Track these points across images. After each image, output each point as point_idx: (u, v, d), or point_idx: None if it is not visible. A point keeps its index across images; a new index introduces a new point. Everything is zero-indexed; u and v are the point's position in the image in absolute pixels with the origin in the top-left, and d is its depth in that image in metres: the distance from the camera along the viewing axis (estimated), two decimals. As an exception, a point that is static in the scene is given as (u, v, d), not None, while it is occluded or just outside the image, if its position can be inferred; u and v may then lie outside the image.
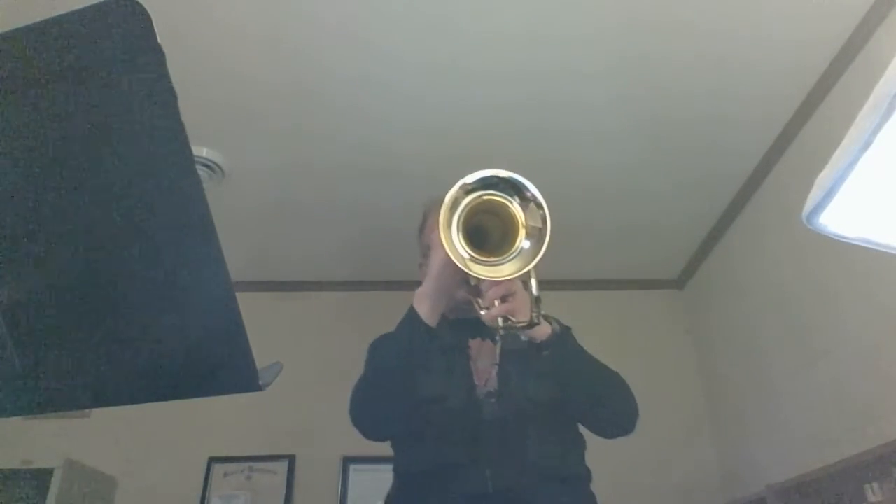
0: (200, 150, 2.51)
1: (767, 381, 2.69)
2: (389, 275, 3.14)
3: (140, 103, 0.54)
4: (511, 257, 1.13)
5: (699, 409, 3.25)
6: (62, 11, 0.52)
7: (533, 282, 1.15)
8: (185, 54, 2.09)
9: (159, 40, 0.52)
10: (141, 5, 0.51)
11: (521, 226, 1.13)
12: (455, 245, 1.11)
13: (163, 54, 0.52)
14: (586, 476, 1.36)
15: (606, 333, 2.92)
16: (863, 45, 2.08)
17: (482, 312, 1.22)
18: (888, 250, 0.78)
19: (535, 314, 1.16)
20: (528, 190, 1.14)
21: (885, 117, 0.64)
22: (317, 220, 2.98)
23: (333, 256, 3.25)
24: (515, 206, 1.14)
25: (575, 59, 2.20)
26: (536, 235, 1.12)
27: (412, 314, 1.25)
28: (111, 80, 0.54)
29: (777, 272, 2.64)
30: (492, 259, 1.13)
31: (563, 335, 1.27)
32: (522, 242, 1.13)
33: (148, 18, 0.51)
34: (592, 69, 2.24)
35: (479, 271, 1.12)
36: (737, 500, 2.66)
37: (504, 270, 1.12)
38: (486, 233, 1.19)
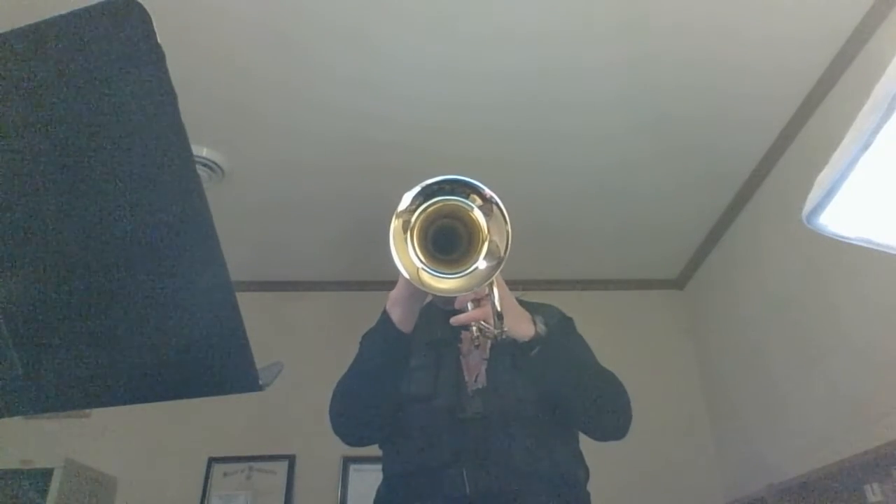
0: (200, 150, 2.51)
1: (767, 381, 2.69)
2: (390, 275, 3.09)
3: (140, 103, 0.54)
4: (460, 274, 1.08)
5: (699, 409, 3.25)
6: (62, 11, 0.52)
7: (496, 297, 1.11)
8: (185, 54, 2.09)
9: (159, 40, 0.52)
10: (141, 5, 0.51)
11: (483, 238, 1.09)
12: (409, 254, 1.08)
13: (163, 54, 0.52)
14: (579, 477, 1.32)
15: (606, 333, 2.92)
16: (863, 45, 2.08)
17: (448, 325, 1.18)
18: (888, 250, 0.78)
19: (497, 331, 1.12)
20: (481, 189, 1.08)
21: (885, 117, 0.64)
22: (317, 219, 2.98)
23: (334, 256, 3.25)
24: (477, 213, 1.09)
25: (574, 58, 2.20)
26: (496, 258, 1.07)
27: (385, 320, 1.23)
28: (111, 80, 0.54)
29: (777, 272, 2.64)
30: (441, 270, 1.09)
31: (550, 337, 1.21)
32: (479, 261, 1.08)
33: (148, 18, 0.51)
34: (592, 69, 2.24)
35: (427, 281, 1.09)
36: (737, 500, 2.66)
37: (445, 285, 1.09)
38: (455, 236, 1.14)
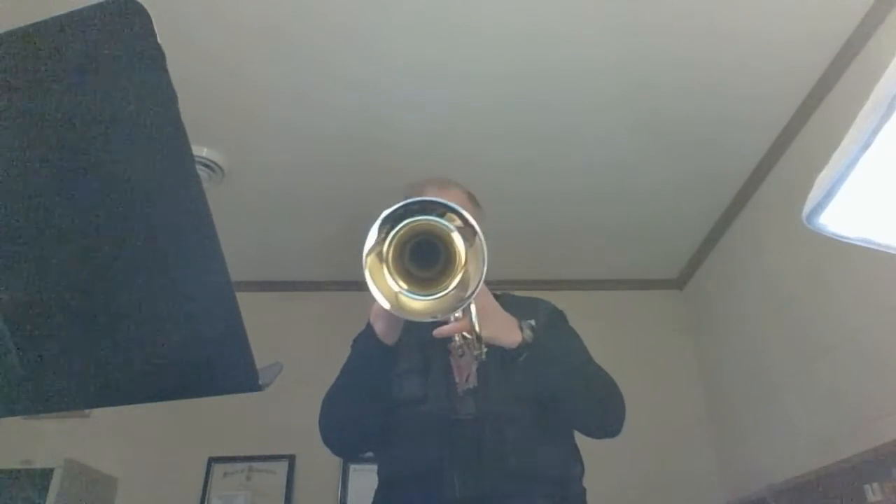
0: (200, 150, 2.51)
1: (767, 381, 2.69)
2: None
3: (140, 103, 0.54)
4: (432, 297, 1.05)
5: (699, 409, 3.25)
6: (62, 11, 0.52)
7: (474, 316, 1.09)
8: (185, 54, 2.09)
9: (159, 40, 0.52)
10: (141, 5, 0.51)
11: (459, 265, 1.04)
12: (387, 281, 1.04)
13: (163, 54, 0.52)
14: (573, 475, 1.32)
15: (606, 333, 2.93)
16: (863, 45, 2.08)
17: (434, 329, 1.15)
18: (888, 250, 0.78)
19: (477, 353, 1.10)
20: (458, 213, 1.03)
21: (885, 117, 0.64)
22: (317, 219, 2.98)
23: (334, 256, 3.25)
24: (456, 236, 1.04)
25: (574, 59, 2.20)
26: (465, 289, 1.03)
27: (369, 333, 1.21)
28: (111, 80, 0.54)
29: (777, 272, 2.64)
30: (417, 291, 1.05)
31: (538, 342, 1.18)
32: (450, 288, 1.04)
33: (148, 18, 0.51)
34: (591, 69, 2.24)
35: (404, 304, 1.05)
36: (737, 500, 2.66)
37: (418, 305, 1.05)
38: (433, 250, 1.09)
